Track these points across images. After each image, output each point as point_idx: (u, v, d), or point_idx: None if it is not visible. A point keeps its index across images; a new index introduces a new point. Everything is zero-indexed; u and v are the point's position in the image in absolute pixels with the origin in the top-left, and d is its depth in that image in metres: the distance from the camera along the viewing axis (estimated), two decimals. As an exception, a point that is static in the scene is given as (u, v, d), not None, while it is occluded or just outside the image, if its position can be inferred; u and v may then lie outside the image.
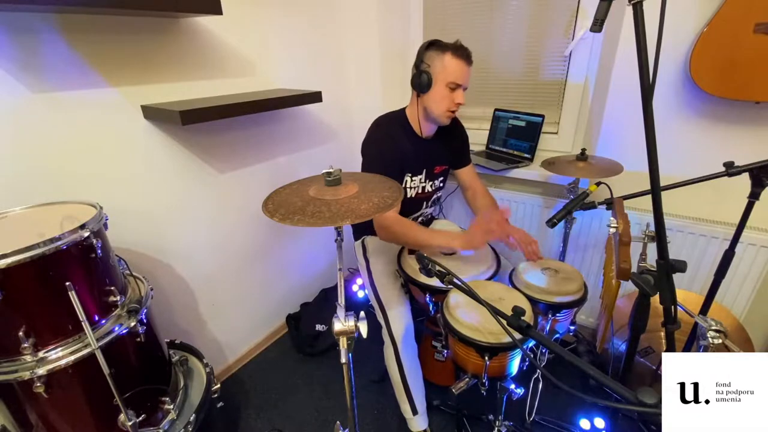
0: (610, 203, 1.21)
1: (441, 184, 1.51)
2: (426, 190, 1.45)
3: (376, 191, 0.88)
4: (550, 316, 1.16)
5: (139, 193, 1.30)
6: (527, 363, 1.08)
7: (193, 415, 1.12)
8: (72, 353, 0.87)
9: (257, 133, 1.64)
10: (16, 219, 0.96)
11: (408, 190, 1.39)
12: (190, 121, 1.15)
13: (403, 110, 1.39)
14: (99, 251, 0.91)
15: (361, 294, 1.89)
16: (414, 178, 1.39)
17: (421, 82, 1.24)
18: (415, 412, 1.33)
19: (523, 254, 1.27)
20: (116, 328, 0.94)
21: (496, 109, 1.89)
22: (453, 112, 1.29)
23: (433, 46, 1.23)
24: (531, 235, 1.32)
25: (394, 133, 1.33)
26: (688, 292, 1.50)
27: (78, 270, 0.89)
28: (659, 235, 0.84)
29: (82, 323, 0.84)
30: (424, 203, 1.48)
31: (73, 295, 0.82)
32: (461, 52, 1.21)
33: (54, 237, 0.82)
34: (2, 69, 0.98)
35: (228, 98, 1.37)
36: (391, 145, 1.31)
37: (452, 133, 1.47)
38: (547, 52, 1.72)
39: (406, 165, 1.35)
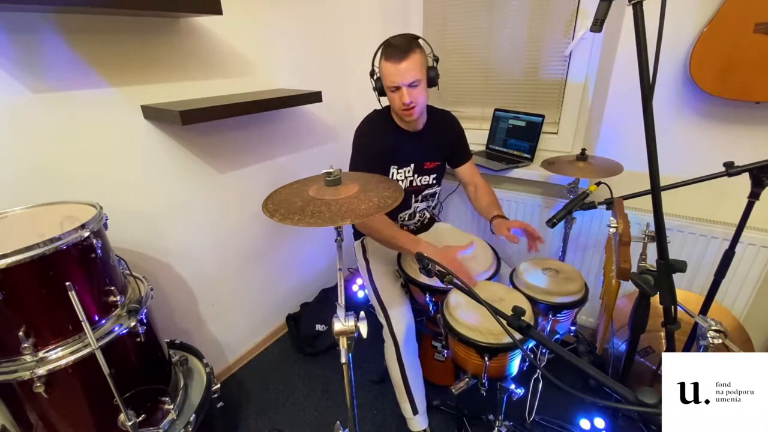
0: (610, 203, 1.21)
1: (433, 181, 1.49)
2: (414, 184, 1.45)
3: (376, 191, 0.88)
4: (550, 316, 1.15)
5: (139, 193, 1.30)
6: (527, 363, 1.08)
7: (193, 415, 1.12)
8: (72, 353, 0.87)
9: (257, 133, 1.64)
10: (16, 219, 0.96)
11: None
12: (190, 121, 1.15)
13: (388, 107, 1.41)
14: (99, 251, 0.91)
15: (361, 294, 1.89)
16: (400, 171, 1.40)
17: (378, 89, 1.32)
18: (415, 411, 1.34)
19: (530, 256, 1.31)
20: (116, 328, 0.94)
21: (496, 109, 1.89)
22: (407, 110, 1.25)
23: (379, 50, 1.25)
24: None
25: (377, 128, 1.37)
26: (688, 292, 1.50)
27: (78, 270, 0.89)
28: (659, 235, 0.84)
29: (82, 323, 0.84)
30: (413, 197, 1.47)
31: (73, 295, 0.82)
32: (388, 52, 1.20)
33: (54, 237, 0.82)
34: (2, 69, 0.98)
35: (228, 98, 1.37)
36: (372, 140, 1.34)
37: (445, 128, 1.47)
38: (547, 52, 1.72)
39: (390, 158, 1.36)
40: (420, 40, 1.25)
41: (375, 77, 1.32)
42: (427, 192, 1.50)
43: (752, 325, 1.44)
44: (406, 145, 1.38)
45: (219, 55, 1.43)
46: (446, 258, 1.17)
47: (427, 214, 1.58)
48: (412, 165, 1.41)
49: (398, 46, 1.19)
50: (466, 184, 1.57)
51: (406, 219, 1.50)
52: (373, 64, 1.33)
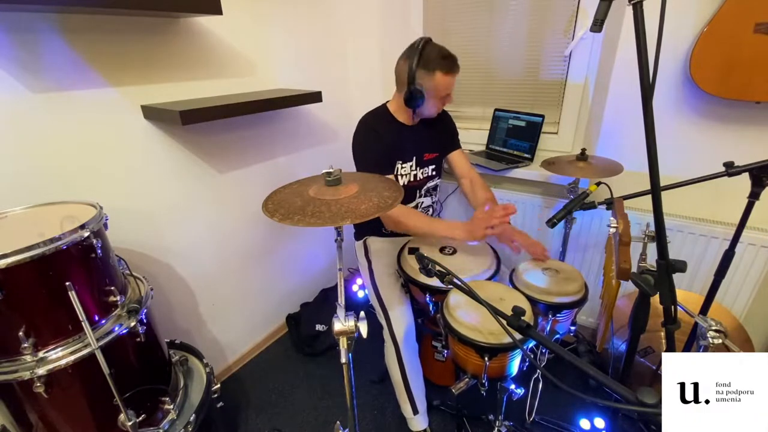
0: (610, 203, 1.21)
1: (433, 173, 1.51)
2: (417, 178, 1.46)
3: (376, 191, 0.88)
4: (550, 316, 1.15)
5: (139, 193, 1.30)
6: (527, 363, 1.08)
7: (193, 415, 1.12)
8: (72, 353, 0.87)
9: (257, 133, 1.64)
10: (16, 219, 0.96)
11: (399, 178, 1.41)
12: (190, 121, 1.15)
13: (384, 105, 1.41)
14: (99, 251, 0.91)
15: (361, 294, 1.89)
16: (404, 165, 1.41)
17: (414, 99, 1.25)
18: (415, 411, 1.34)
19: (530, 256, 1.30)
20: (116, 328, 0.94)
21: (496, 109, 1.89)
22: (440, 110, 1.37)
23: (420, 63, 1.22)
24: (531, 236, 1.34)
25: (377, 127, 1.36)
26: (688, 292, 1.50)
27: (78, 270, 0.89)
28: (659, 235, 0.84)
29: (82, 323, 0.84)
30: (417, 192, 1.48)
31: (73, 295, 0.82)
32: (449, 67, 1.24)
33: (54, 237, 0.82)
34: (2, 69, 0.98)
35: (228, 98, 1.37)
36: (377, 139, 1.34)
37: (437, 120, 1.48)
38: (547, 52, 1.72)
39: (395, 154, 1.37)
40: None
41: (413, 86, 1.23)
42: (429, 185, 1.51)
43: (752, 325, 1.44)
44: (408, 139, 1.39)
45: (219, 55, 1.43)
46: (492, 216, 1.18)
47: (431, 211, 1.58)
48: (414, 158, 1.43)
49: (453, 58, 1.25)
50: (460, 176, 1.57)
51: None
52: (414, 79, 1.23)
